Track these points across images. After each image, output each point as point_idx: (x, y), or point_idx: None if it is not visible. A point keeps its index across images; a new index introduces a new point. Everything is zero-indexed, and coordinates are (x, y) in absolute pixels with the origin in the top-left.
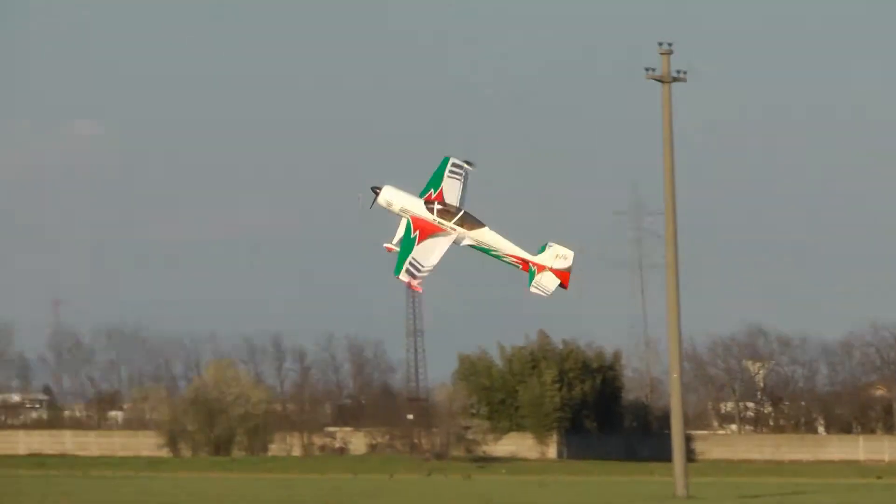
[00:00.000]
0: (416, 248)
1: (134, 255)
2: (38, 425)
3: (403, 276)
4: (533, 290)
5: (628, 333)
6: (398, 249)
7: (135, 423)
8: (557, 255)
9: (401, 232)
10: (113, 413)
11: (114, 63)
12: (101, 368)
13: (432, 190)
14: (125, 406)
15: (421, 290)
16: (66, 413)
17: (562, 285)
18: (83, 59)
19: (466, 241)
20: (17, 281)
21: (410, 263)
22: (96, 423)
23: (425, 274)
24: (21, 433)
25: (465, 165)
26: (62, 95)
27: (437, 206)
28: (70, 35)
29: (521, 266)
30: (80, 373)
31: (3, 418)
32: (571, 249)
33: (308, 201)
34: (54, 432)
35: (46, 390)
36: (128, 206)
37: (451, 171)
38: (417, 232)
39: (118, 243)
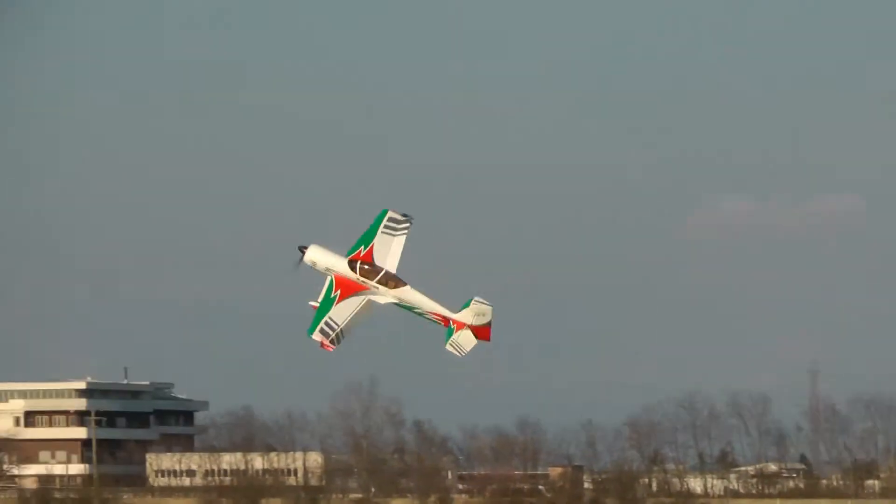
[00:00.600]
0: (334, 307)
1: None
2: (794, 494)
3: (316, 336)
4: (448, 348)
5: None
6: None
7: (891, 493)
8: (477, 313)
9: (324, 292)
10: (869, 482)
11: None
12: (858, 438)
13: (362, 247)
14: (882, 475)
15: (332, 350)
16: (823, 482)
17: (483, 339)
18: None
19: (388, 300)
20: (774, 352)
21: (326, 323)
22: (853, 492)
23: (339, 332)
24: (777, 502)
25: (402, 220)
26: None
27: (360, 266)
28: None
29: (442, 323)
30: (837, 442)
31: (760, 487)
32: (490, 305)
33: None
34: (809, 501)
35: (803, 459)
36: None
37: (386, 226)
38: (339, 291)
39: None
